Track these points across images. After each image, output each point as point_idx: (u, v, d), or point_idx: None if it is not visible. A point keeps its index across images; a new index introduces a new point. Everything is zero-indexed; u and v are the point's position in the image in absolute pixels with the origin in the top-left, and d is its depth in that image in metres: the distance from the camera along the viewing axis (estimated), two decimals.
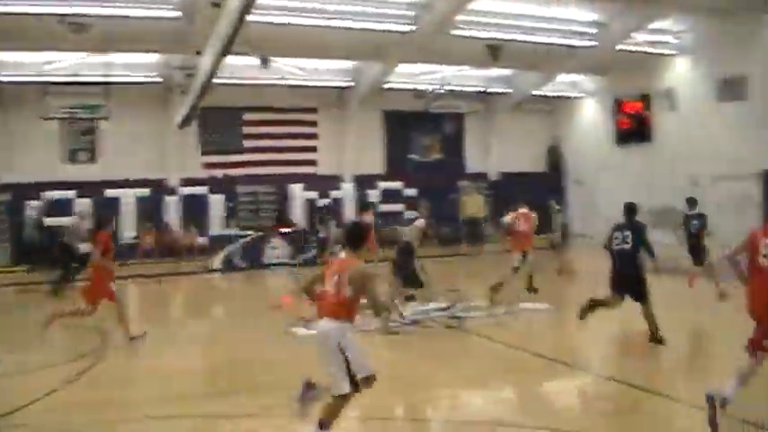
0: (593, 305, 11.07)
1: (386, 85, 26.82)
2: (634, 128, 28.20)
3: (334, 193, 27.85)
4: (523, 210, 15.70)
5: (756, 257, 7.11)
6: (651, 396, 8.15)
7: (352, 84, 26.99)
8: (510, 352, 10.73)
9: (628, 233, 10.66)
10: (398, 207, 28.17)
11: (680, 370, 10.05)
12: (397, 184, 28.80)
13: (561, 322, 13.74)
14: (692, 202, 16.17)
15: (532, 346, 10.66)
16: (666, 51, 26.12)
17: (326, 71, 26.25)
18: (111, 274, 12.02)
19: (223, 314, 16.95)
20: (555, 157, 32.54)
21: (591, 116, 30.92)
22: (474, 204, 24.71)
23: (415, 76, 26.88)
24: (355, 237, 6.95)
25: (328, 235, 23.68)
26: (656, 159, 26.60)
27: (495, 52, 23.51)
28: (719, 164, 23.74)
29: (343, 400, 6.45)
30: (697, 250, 15.38)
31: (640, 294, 10.50)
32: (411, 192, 28.78)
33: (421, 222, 14.33)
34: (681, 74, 26.26)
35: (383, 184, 28.55)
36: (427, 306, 14.37)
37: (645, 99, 27.70)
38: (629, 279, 10.60)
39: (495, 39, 23.19)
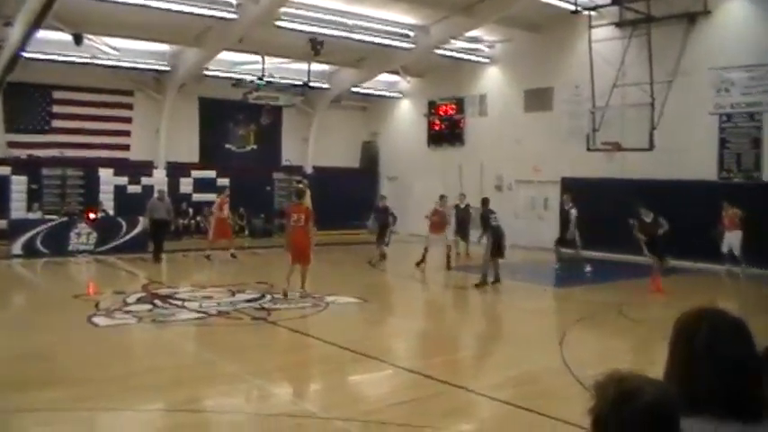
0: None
1: (204, 73, 26.36)
2: (446, 130, 29.19)
3: (145, 180, 26.97)
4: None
5: None
6: (449, 387, 8.50)
7: (169, 69, 26.27)
8: (316, 344, 10.86)
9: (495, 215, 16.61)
10: (211, 196, 27.79)
11: (473, 365, 10.54)
12: (210, 173, 28.23)
13: (369, 316, 14.07)
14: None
15: (338, 339, 10.80)
16: (480, 59, 27.20)
17: (143, 53, 25.36)
18: None
19: (22, 302, 16.01)
20: (370, 154, 33.12)
21: (406, 116, 31.71)
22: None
23: (235, 66, 26.60)
24: None
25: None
26: (467, 161, 27.61)
27: (316, 47, 23.66)
28: (524, 169, 25.11)
29: None
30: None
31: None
32: (224, 181, 28.40)
33: None
34: (492, 82, 27.44)
35: (196, 173, 27.98)
36: (235, 297, 14.35)
37: (458, 103, 28.72)
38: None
39: (318, 34, 23.35)
